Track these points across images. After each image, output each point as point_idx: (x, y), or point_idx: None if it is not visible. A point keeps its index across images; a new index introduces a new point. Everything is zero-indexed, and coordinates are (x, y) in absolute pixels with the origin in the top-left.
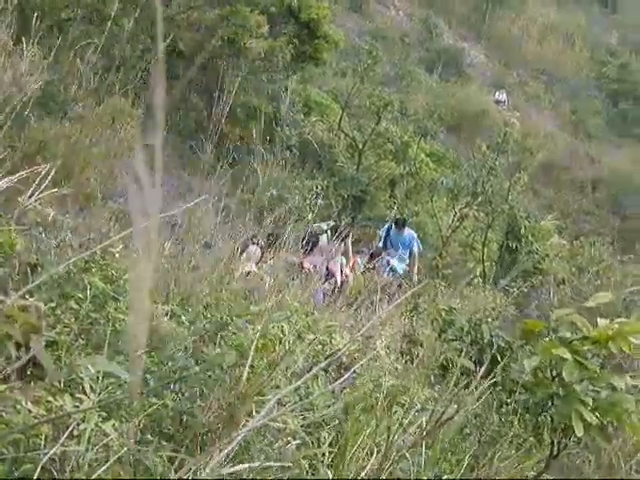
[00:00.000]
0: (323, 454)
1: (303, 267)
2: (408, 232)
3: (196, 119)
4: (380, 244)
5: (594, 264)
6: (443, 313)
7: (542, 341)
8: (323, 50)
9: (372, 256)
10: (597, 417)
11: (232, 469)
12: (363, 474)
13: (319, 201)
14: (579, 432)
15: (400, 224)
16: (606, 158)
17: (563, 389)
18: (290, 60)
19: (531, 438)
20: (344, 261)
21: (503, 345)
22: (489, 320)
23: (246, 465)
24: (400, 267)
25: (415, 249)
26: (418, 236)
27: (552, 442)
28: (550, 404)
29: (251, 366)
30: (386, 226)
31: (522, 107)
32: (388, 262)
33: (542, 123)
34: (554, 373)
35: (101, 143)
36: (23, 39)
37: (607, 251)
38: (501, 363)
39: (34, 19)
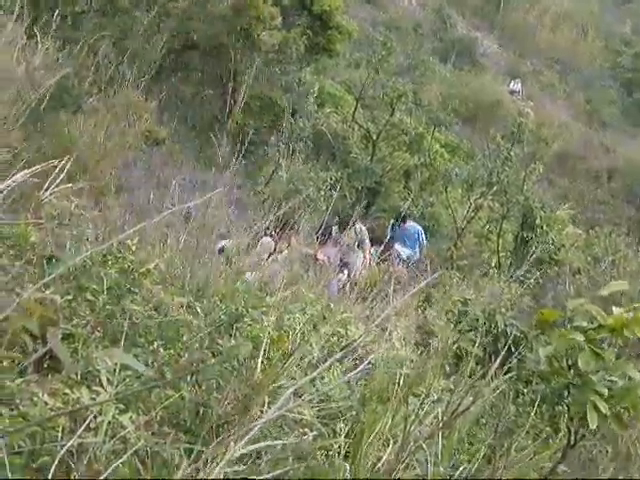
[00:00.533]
0: (339, 445)
1: (317, 259)
2: (412, 226)
3: (210, 111)
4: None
5: (610, 254)
6: (458, 304)
7: (558, 330)
8: (336, 41)
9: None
10: (612, 406)
11: (252, 447)
12: (379, 465)
13: (333, 192)
14: (593, 423)
15: (400, 220)
16: (621, 148)
17: (579, 379)
18: (304, 52)
19: (548, 428)
20: (361, 254)
21: (518, 335)
22: (503, 310)
23: (263, 444)
24: (405, 252)
25: (422, 239)
26: (432, 226)
27: (569, 432)
28: (567, 394)
29: (266, 357)
30: (391, 222)
31: (536, 97)
32: (398, 253)
33: (556, 113)
34: (570, 362)
35: (115, 136)
36: (37, 32)
37: (623, 241)
38: (516, 353)
39: (47, 12)
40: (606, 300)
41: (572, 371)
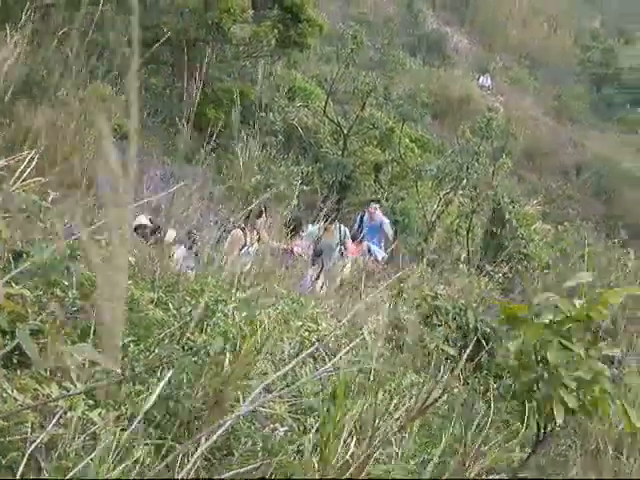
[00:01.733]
0: (309, 440)
1: (293, 252)
2: (379, 217)
3: (180, 105)
4: (355, 230)
5: (579, 249)
6: (428, 298)
7: (526, 324)
8: (307, 35)
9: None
10: (579, 399)
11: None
12: (349, 459)
13: (304, 187)
14: (559, 417)
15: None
16: (590, 142)
17: (547, 373)
18: (274, 45)
19: (518, 423)
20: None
21: (488, 330)
22: (474, 305)
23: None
24: (379, 253)
25: (387, 231)
26: (403, 221)
27: (538, 426)
28: (536, 388)
29: (237, 352)
30: (359, 214)
31: (506, 92)
32: (369, 248)
33: (526, 108)
34: (538, 357)
35: (85, 129)
36: (6, 25)
37: (591, 236)
38: (486, 348)
39: (16, 4)
40: (573, 294)
41: (541, 365)
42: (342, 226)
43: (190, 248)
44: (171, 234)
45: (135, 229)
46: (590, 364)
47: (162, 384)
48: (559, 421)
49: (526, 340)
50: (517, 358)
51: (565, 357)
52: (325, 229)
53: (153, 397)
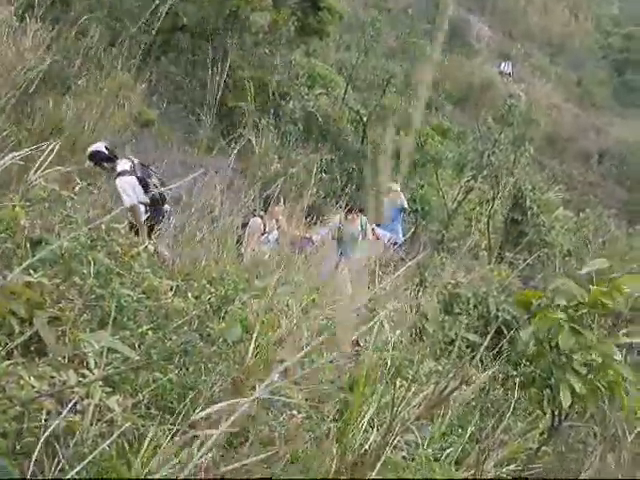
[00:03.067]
0: (327, 428)
1: (312, 240)
2: (401, 199)
3: (200, 93)
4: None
5: (600, 236)
6: (449, 286)
7: (539, 311)
8: (327, 23)
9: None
10: (590, 383)
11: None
12: (367, 447)
13: (323, 175)
14: (566, 402)
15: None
16: (612, 129)
17: (559, 359)
18: (294, 33)
19: (537, 410)
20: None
21: (509, 318)
22: (495, 294)
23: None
24: (385, 235)
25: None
26: (423, 209)
27: (552, 413)
28: (551, 375)
29: (257, 341)
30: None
31: (527, 79)
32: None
33: (547, 94)
34: (552, 343)
35: (105, 117)
36: (27, 15)
37: (613, 223)
38: (507, 336)
39: None
40: (592, 281)
41: (554, 351)
42: (364, 218)
43: (145, 182)
44: (124, 163)
45: (91, 156)
46: (601, 349)
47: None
48: (565, 405)
49: (539, 326)
50: (532, 345)
51: (576, 342)
52: (349, 219)
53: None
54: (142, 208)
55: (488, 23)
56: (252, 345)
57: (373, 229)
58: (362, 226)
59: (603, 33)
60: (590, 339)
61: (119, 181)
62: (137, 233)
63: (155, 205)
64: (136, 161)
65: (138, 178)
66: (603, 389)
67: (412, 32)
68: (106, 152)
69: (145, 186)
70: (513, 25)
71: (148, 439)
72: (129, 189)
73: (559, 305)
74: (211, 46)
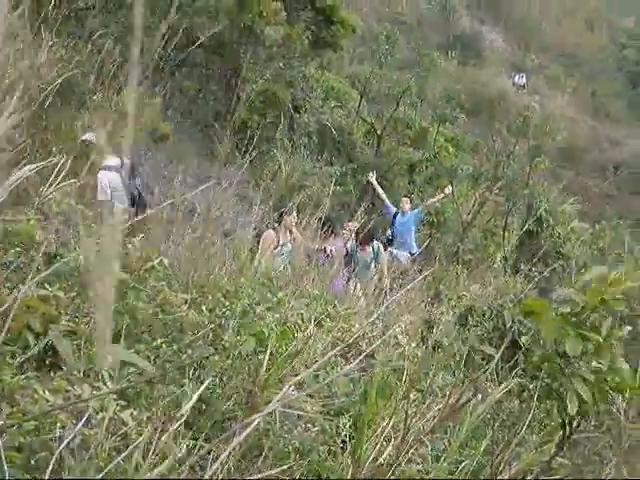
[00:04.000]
0: (342, 441)
1: (326, 252)
2: (411, 212)
3: (214, 107)
4: (389, 234)
5: (616, 247)
6: (464, 299)
7: (543, 319)
8: (341, 36)
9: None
10: (599, 390)
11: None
12: (381, 459)
13: (337, 187)
14: (572, 409)
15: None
16: (627, 140)
17: (567, 366)
18: (308, 47)
19: (552, 423)
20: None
21: (524, 331)
22: (511, 306)
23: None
24: (402, 256)
25: (413, 227)
26: (438, 221)
27: (563, 423)
28: (560, 385)
29: (271, 354)
30: (392, 210)
31: (542, 90)
32: (391, 253)
33: (562, 106)
34: (560, 352)
35: (119, 132)
36: (42, 29)
37: (629, 234)
38: (523, 349)
39: (51, 8)
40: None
41: (562, 359)
42: (376, 242)
43: (129, 183)
44: (112, 159)
45: (82, 143)
46: (609, 350)
47: (202, 388)
48: (572, 412)
49: (546, 334)
50: (540, 354)
51: (582, 346)
52: (361, 249)
53: (192, 401)
54: (119, 207)
55: (501, 35)
56: (266, 358)
57: (391, 252)
58: (375, 252)
59: (618, 45)
60: (596, 340)
61: (101, 174)
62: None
63: (136, 209)
64: (127, 161)
65: (122, 177)
66: (615, 390)
67: (425, 44)
68: (93, 142)
69: (129, 187)
70: (527, 37)
71: (162, 452)
72: (106, 186)
73: (562, 314)
74: (225, 60)
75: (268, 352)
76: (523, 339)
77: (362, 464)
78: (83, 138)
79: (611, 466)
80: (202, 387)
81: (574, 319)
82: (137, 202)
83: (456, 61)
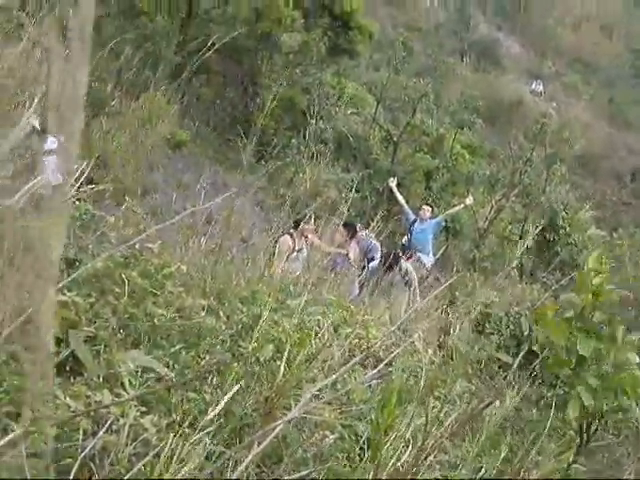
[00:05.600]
0: (360, 447)
1: (348, 256)
2: (430, 220)
3: (232, 114)
4: (404, 240)
5: (634, 255)
6: (481, 306)
7: (551, 323)
8: (358, 42)
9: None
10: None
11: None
12: (400, 466)
13: (354, 194)
14: (574, 413)
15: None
16: None
17: (579, 370)
18: (325, 53)
19: (571, 432)
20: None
21: (541, 339)
22: (527, 313)
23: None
24: (427, 260)
25: (431, 235)
26: (454, 228)
27: (580, 429)
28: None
29: (288, 360)
30: (411, 217)
31: (559, 97)
32: (421, 262)
33: (579, 113)
34: (571, 357)
35: (138, 139)
36: (60, 36)
37: None
38: (540, 356)
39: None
40: None
41: (575, 364)
42: (407, 265)
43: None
44: (51, 142)
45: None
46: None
47: (227, 397)
48: (573, 416)
49: (556, 339)
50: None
51: (593, 346)
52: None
53: (217, 409)
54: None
55: (518, 41)
56: (283, 364)
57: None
58: (406, 273)
59: (635, 52)
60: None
61: (50, 159)
62: None
63: None
64: (62, 139)
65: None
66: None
67: (442, 50)
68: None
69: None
70: (544, 43)
71: (181, 458)
72: (56, 169)
73: (567, 318)
74: (242, 67)
75: (285, 359)
76: (536, 345)
77: (381, 470)
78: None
79: (629, 472)
80: (227, 396)
81: (578, 323)
82: None
83: (473, 67)
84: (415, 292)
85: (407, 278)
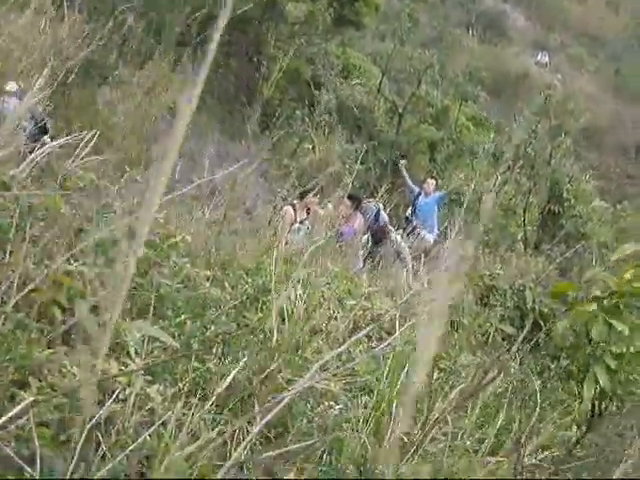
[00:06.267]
0: (365, 418)
1: (355, 228)
2: (434, 193)
3: (236, 84)
4: (408, 213)
5: (637, 228)
6: (485, 278)
7: (574, 302)
8: (364, 13)
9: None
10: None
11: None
12: (404, 437)
13: (358, 165)
14: (589, 393)
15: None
16: None
17: (594, 351)
18: (330, 24)
19: (574, 403)
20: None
21: (546, 311)
22: (532, 286)
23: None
24: (430, 236)
25: (435, 209)
26: (458, 200)
27: (593, 404)
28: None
29: (292, 332)
30: (415, 191)
31: (564, 69)
32: (423, 238)
33: (584, 85)
34: (589, 336)
35: (142, 108)
36: (64, 3)
37: None
38: (544, 328)
39: None
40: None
41: (590, 344)
42: (397, 237)
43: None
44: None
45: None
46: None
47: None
48: (588, 396)
49: (576, 319)
50: (568, 338)
51: (609, 334)
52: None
53: (227, 381)
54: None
55: (524, 13)
56: (286, 334)
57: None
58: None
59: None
60: (622, 329)
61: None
62: None
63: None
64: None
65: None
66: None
67: (448, 22)
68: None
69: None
70: (550, 16)
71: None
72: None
73: (595, 297)
74: (247, 37)
75: (289, 329)
76: (550, 322)
77: (384, 442)
78: (7, 88)
79: (634, 447)
80: (237, 367)
81: (605, 303)
82: (43, 127)
83: (479, 39)
84: (407, 266)
85: (399, 250)
